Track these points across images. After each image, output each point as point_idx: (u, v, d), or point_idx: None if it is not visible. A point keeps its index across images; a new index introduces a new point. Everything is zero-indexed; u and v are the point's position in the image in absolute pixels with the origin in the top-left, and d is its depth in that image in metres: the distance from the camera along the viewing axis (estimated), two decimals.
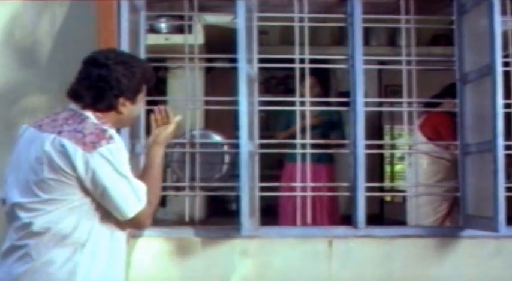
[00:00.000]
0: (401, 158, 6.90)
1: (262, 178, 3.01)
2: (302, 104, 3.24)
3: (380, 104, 5.67)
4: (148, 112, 2.99)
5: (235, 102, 2.73)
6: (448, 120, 3.74)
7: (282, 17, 3.15)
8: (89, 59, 1.85)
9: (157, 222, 3.47)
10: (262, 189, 2.99)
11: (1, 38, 3.20)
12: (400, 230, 3.08)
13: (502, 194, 2.67)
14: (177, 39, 4.03)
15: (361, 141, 2.94)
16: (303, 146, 3.16)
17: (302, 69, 3.10)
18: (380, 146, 4.42)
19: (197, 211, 3.42)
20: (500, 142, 2.69)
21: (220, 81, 4.83)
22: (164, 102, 3.65)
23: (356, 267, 2.92)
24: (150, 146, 2.01)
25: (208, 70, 4.65)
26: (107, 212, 1.77)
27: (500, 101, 2.70)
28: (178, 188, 3.41)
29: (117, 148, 1.74)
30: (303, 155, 3.15)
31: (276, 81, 6.15)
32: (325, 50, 4.30)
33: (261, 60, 3.05)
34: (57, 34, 3.17)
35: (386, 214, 5.73)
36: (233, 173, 3.32)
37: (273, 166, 4.34)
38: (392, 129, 6.79)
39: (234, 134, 3.01)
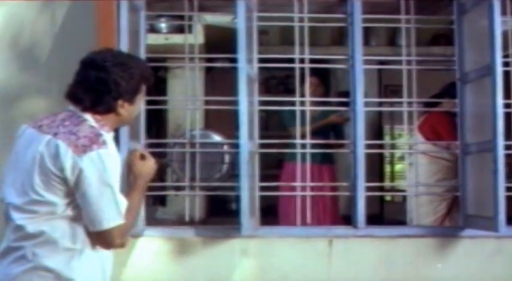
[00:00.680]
0: (401, 158, 6.90)
1: (262, 178, 3.01)
2: (302, 104, 3.24)
3: (380, 104, 5.67)
4: (149, 112, 3.02)
5: (235, 102, 2.73)
6: (447, 119, 3.74)
7: (282, 17, 3.15)
8: (87, 61, 1.83)
9: (157, 222, 3.49)
10: (262, 189, 2.99)
11: (1, 38, 3.19)
12: (400, 230, 3.08)
13: (502, 194, 2.67)
14: (177, 39, 4.03)
15: (361, 141, 2.94)
16: (304, 146, 3.16)
17: (302, 69, 3.10)
18: (380, 146, 4.42)
19: (197, 211, 3.42)
20: (500, 141, 2.69)
21: (220, 81, 4.82)
22: (164, 102, 3.67)
23: (356, 267, 2.92)
24: (132, 182, 1.93)
25: (208, 70, 4.65)
26: None
27: (500, 101, 2.70)
28: (178, 188, 3.41)
29: (108, 154, 1.72)
30: (305, 155, 3.15)
31: (276, 81, 6.15)
32: (325, 50, 4.30)
33: (261, 60, 3.05)
34: (57, 34, 3.17)
35: (386, 214, 5.73)
36: (233, 173, 3.32)
37: (273, 166, 4.34)
38: (392, 129, 6.78)
39: (234, 133, 3.01)
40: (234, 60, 2.74)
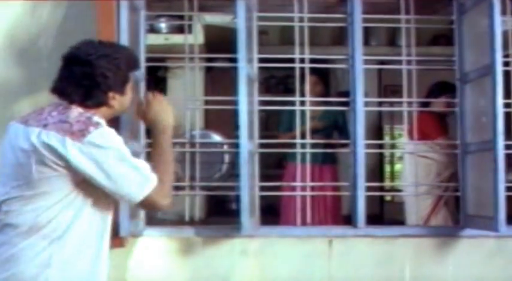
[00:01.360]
0: (401, 158, 6.89)
1: (262, 178, 3.01)
2: (302, 103, 3.24)
3: (380, 104, 5.67)
4: None
5: (235, 102, 2.72)
6: (433, 119, 3.74)
7: (282, 17, 3.15)
8: (69, 56, 1.79)
9: (157, 222, 3.48)
10: (262, 189, 2.99)
11: (1, 38, 3.19)
12: (400, 230, 3.08)
13: (502, 194, 2.66)
14: (177, 39, 4.03)
15: (361, 140, 2.94)
16: (306, 146, 3.15)
17: (302, 69, 3.10)
18: (380, 146, 4.42)
19: (197, 211, 3.43)
20: (500, 141, 2.68)
21: (220, 81, 4.82)
22: None
23: (356, 267, 2.92)
24: (154, 138, 1.90)
25: (208, 70, 4.66)
26: (98, 206, 1.73)
27: (500, 100, 2.70)
28: (178, 188, 3.41)
29: (106, 131, 1.69)
30: (306, 155, 3.15)
31: (276, 81, 6.15)
32: (325, 50, 4.29)
33: (261, 60, 3.05)
34: (57, 34, 3.17)
35: (386, 213, 5.73)
36: (233, 173, 3.33)
37: (273, 166, 4.35)
38: (392, 129, 6.79)
39: (233, 133, 3.01)
40: (234, 60, 2.74)
